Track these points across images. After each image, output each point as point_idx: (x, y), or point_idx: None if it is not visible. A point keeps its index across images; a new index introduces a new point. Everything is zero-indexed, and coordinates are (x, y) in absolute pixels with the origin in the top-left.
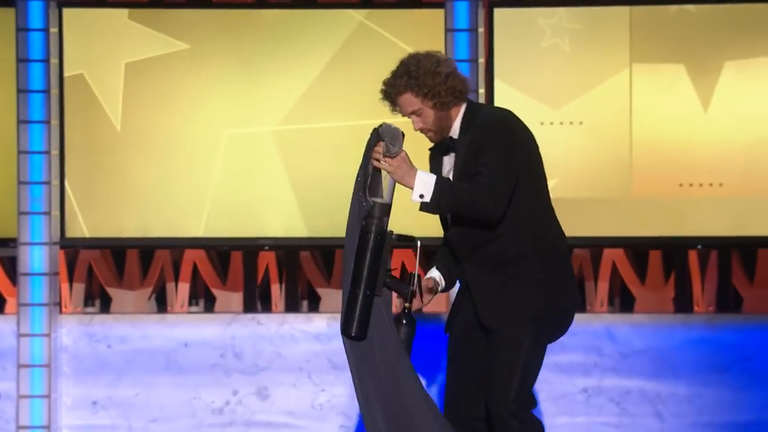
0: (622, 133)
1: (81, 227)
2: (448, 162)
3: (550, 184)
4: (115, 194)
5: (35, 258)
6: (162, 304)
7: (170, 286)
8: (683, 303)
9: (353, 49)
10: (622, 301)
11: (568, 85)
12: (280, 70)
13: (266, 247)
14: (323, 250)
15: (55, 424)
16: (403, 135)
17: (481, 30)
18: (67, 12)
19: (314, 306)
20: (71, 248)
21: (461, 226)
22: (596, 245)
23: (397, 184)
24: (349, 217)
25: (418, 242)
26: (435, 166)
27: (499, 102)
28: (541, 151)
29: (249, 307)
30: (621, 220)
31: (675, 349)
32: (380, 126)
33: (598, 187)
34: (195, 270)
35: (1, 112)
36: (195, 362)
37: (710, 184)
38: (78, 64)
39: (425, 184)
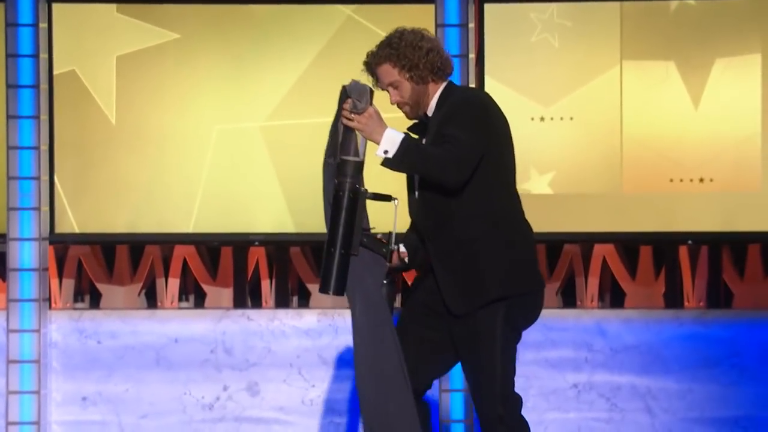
0: (613, 129)
1: (71, 223)
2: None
3: (543, 179)
4: (104, 190)
5: (24, 253)
6: (152, 300)
7: (160, 282)
8: (674, 298)
9: (341, 44)
10: (613, 296)
11: (558, 83)
12: (269, 65)
13: (256, 243)
14: (313, 245)
15: (45, 420)
16: (372, 92)
17: (471, 25)
18: (56, 7)
19: (304, 302)
20: (61, 244)
21: (426, 204)
22: (587, 240)
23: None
24: (324, 181)
25: (396, 200)
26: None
27: None
28: (532, 146)
29: (239, 303)
30: (611, 216)
31: (665, 345)
32: (348, 83)
33: (589, 183)
34: (185, 266)
35: None
36: (185, 358)
37: (701, 180)
38: (69, 60)
39: (392, 141)
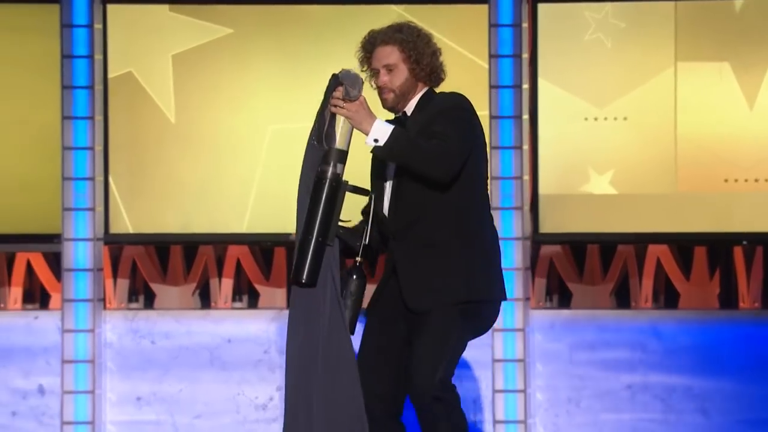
0: (667, 130)
1: (125, 223)
2: None
3: (603, 179)
4: (159, 190)
5: (79, 254)
6: (206, 300)
7: (214, 282)
8: (728, 299)
9: None
10: (667, 297)
11: (611, 84)
12: (322, 65)
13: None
14: None
15: (100, 420)
16: (363, 81)
17: (525, 25)
18: (111, 8)
19: None
20: (115, 244)
21: (399, 200)
22: (641, 241)
23: (355, 131)
24: (302, 165)
25: (373, 195)
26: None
27: (543, 99)
28: (586, 146)
29: None
30: (666, 216)
31: (720, 346)
32: (340, 71)
33: (643, 183)
34: (239, 266)
35: (46, 108)
36: (239, 358)
37: (756, 180)
38: (125, 61)
39: (382, 130)
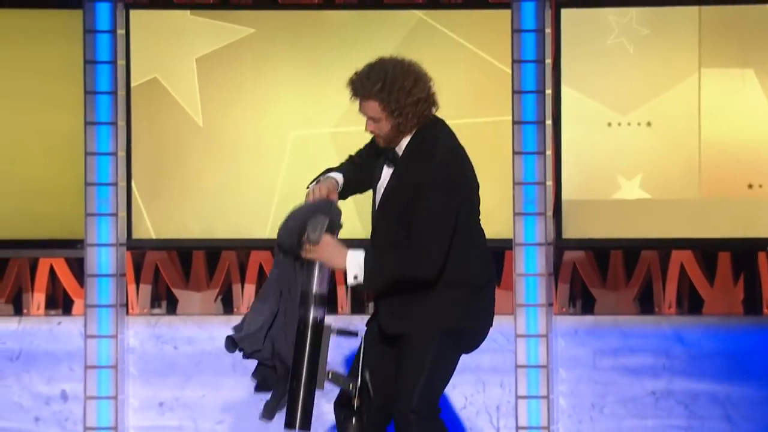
0: (691, 135)
1: (147, 228)
2: (387, 174)
3: (633, 184)
4: (181, 195)
5: (102, 259)
6: (228, 306)
7: (236, 288)
8: (753, 305)
9: (412, 47)
10: (691, 303)
11: (634, 90)
12: (343, 71)
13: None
14: None
15: (122, 426)
16: (325, 222)
17: (548, 30)
18: (134, 14)
19: None
20: (138, 249)
21: (380, 233)
22: (665, 247)
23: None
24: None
25: (361, 334)
26: (377, 166)
27: (565, 105)
28: (609, 151)
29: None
30: (690, 222)
31: (745, 352)
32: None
33: (667, 189)
34: (261, 271)
35: (69, 113)
36: None
37: None
38: (149, 67)
39: (356, 263)
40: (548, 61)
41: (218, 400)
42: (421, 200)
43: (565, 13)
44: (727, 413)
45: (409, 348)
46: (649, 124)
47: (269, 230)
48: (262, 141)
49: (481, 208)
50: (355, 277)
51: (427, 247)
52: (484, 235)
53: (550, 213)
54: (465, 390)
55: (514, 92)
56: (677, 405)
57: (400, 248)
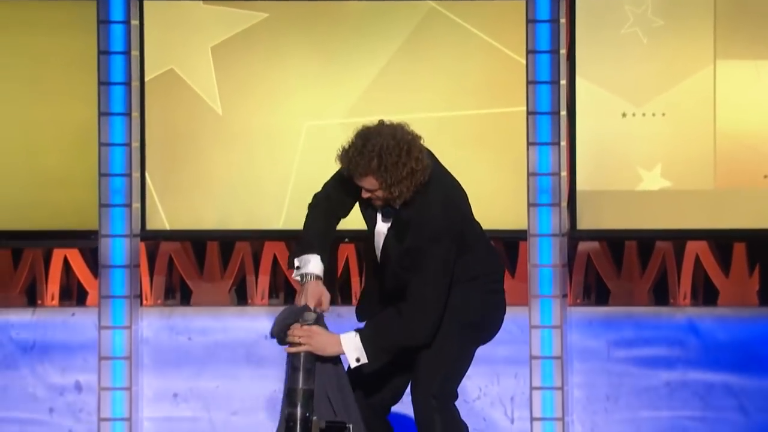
0: (706, 125)
1: (161, 219)
2: (383, 228)
3: (642, 175)
4: (195, 186)
5: (116, 250)
6: (242, 297)
7: (251, 279)
8: None
9: (423, 37)
10: (706, 294)
11: (649, 82)
12: (357, 61)
13: (346, 240)
14: None
15: (136, 416)
16: (314, 316)
17: (562, 21)
18: (147, 4)
19: None
20: (152, 240)
21: (394, 283)
22: (679, 238)
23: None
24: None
25: (350, 426)
26: (367, 215)
27: (580, 96)
28: (624, 142)
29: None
30: (704, 213)
31: (760, 343)
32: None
33: (682, 179)
34: (275, 262)
35: (83, 104)
36: (276, 355)
37: None
38: (164, 57)
39: (353, 345)
40: (563, 51)
41: (232, 390)
42: (420, 257)
43: (580, 3)
44: (741, 404)
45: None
46: (663, 114)
47: (283, 221)
48: (277, 131)
49: (496, 199)
50: (358, 360)
51: (424, 309)
52: (481, 227)
53: (564, 204)
54: (479, 381)
55: (528, 83)
56: (692, 396)
57: (398, 314)
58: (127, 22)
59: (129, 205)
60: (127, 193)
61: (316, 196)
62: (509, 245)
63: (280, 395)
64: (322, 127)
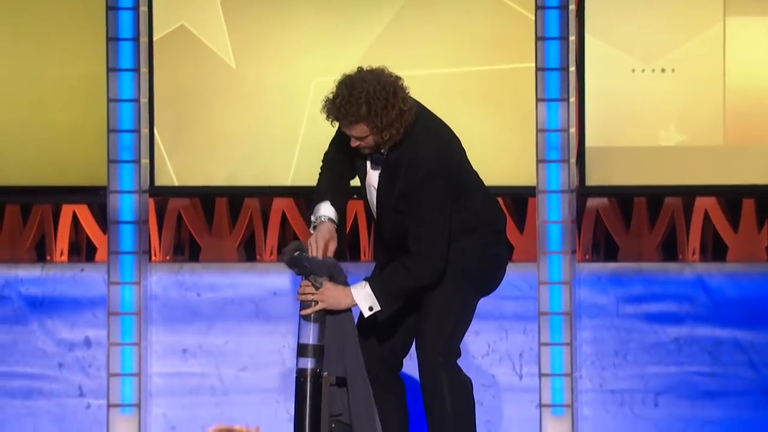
0: (716, 81)
1: (170, 175)
2: (374, 175)
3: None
4: (203, 142)
5: (125, 206)
6: (251, 253)
7: (259, 235)
8: None
9: None
10: (715, 250)
11: (659, 39)
12: (365, 16)
13: (355, 196)
14: None
15: (145, 372)
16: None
17: None
18: None
19: None
20: (160, 196)
21: (394, 230)
22: (688, 194)
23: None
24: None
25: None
26: (357, 166)
27: (589, 52)
28: (633, 98)
29: (338, 256)
30: (714, 169)
31: None
32: (296, 264)
33: (691, 135)
34: (284, 218)
35: (91, 60)
36: (284, 311)
37: None
38: (174, 14)
39: (365, 297)
40: (572, 7)
41: (241, 346)
42: (416, 202)
43: None
44: (750, 360)
45: (434, 294)
46: (673, 70)
47: (291, 177)
48: (286, 87)
49: (504, 155)
50: (371, 308)
51: (428, 252)
52: (478, 176)
53: (573, 160)
54: (488, 337)
55: (537, 38)
56: (701, 352)
57: (402, 263)
58: None
59: (138, 161)
60: (136, 149)
61: (324, 157)
62: (518, 201)
63: (289, 351)
64: (331, 84)
